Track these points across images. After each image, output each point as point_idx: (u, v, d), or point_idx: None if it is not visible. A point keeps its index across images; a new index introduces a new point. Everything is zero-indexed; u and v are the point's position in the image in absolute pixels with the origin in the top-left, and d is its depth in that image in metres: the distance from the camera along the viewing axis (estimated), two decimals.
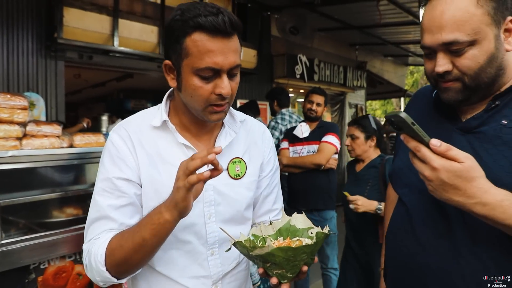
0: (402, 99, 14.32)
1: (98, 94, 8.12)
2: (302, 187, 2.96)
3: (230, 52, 0.88)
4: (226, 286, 1.03)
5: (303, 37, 5.64)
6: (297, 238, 0.90)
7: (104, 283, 0.91)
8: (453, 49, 0.83)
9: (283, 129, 3.72)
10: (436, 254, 0.88)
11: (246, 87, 5.66)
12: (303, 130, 3.02)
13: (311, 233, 0.90)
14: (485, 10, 0.81)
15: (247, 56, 5.14)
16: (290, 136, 3.12)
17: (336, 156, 3.01)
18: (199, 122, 1.01)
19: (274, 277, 0.83)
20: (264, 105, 5.78)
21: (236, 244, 0.83)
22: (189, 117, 1.01)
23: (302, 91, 6.91)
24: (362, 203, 2.15)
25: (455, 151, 0.75)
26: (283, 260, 0.78)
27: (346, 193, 2.26)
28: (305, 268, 0.83)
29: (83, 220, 2.46)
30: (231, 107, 1.08)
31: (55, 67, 3.65)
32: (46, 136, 2.08)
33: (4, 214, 1.98)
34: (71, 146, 2.21)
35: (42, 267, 2.12)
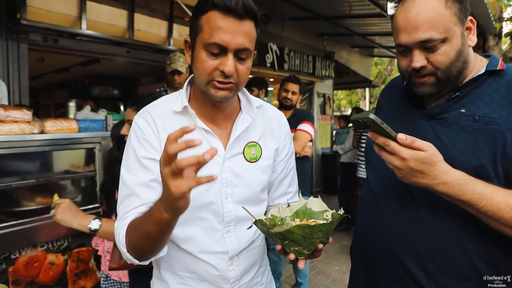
0: (367, 89, 14.72)
1: (61, 80, 7.74)
2: None
3: (239, 33, 0.91)
4: (242, 261, 1.09)
5: (274, 25, 5.66)
6: (313, 220, 0.94)
7: (130, 261, 0.94)
8: (428, 46, 0.94)
9: None
10: (401, 223, 1.02)
11: None
12: None
13: (326, 215, 0.95)
14: (452, 11, 0.93)
15: None
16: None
17: (311, 144, 3.08)
18: (215, 107, 1.04)
19: (292, 254, 0.87)
20: None
21: (257, 222, 0.87)
22: (205, 101, 1.04)
23: (272, 79, 6.95)
24: None
25: (419, 142, 0.87)
26: (301, 237, 0.83)
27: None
28: (320, 246, 0.88)
29: None
30: (247, 93, 1.12)
31: (17, 49, 3.45)
32: (15, 121, 1.99)
33: None
34: (42, 132, 2.13)
35: (12, 257, 2.05)
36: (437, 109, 1.02)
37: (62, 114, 3.23)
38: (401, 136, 0.87)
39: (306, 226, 0.83)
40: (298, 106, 7.66)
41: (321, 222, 0.86)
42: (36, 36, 3.49)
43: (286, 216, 0.96)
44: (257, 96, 4.33)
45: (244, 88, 1.13)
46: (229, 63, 0.92)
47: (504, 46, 7.59)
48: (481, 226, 0.93)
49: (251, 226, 0.93)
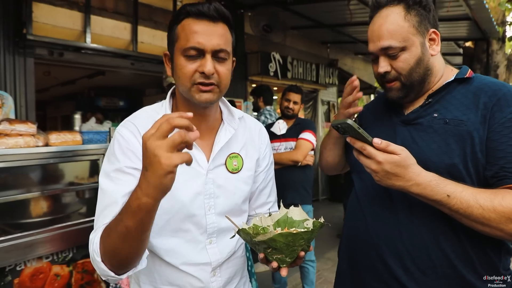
0: (372, 96, 14.70)
1: (68, 92, 7.86)
2: (279, 183, 2.98)
3: (215, 34, 0.95)
4: (224, 272, 1.09)
5: (277, 35, 5.70)
6: (294, 228, 0.95)
7: (105, 277, 0.86)
8: (389, 53, 1.06)
9: None
10: (382, 224, 1.09)
11: None
12: (280, 127, 3.08)
13: (307, 224, 0.97)
14: (411, 24, 1.05)
15: None
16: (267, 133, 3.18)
17: (313, 152, 3.10)
18: (199, 117, 1.05)
19: (274, 262, 0.88)
20: (239, 102, 5.82)
21: (240, 231, 0.88)
22: (192, 111, 1.02)
23: (276, 88, 6.98)
24: None
25: (393, 146, 0.94)
26: (283, 245, 0.85)
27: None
28: (302, 253, 0.89)
29: (60, 220, 2.43)
30: (229, 104, 1.13)
31: (24, 64, 3.52)
32: (20, 135, 2.03)
33: None
34: (46, 145, 2.16)
35: (18, 268, 2.08)
36: (413, 115, 1.11)
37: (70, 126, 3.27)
38: (376, 140, 0.93)
39: (289, 234, 0.84)
40: (302, 114, 7.65)
41: (303, 230, 0.87)
42: (42, 50, 3.56)
43: (268, 225, 0.97)
44: (256, 104, 4.37)
45: (225, 100, 1.14)
46: (208, 63, 0.94)
47: (509, 50, 7.55)
48: (456, 225, 0.98)
49: (234, 235, 0.93)
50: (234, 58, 1.07)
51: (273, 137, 3.12)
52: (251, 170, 1.14)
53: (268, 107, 4.15)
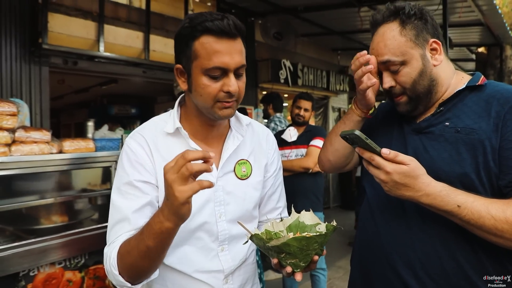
0: (383, 102, 14.56)
1: (81, 100, 7.99)
2: (290, 190, 2.97)
3: (236, 52, 0.95)
4: (236, 279, 1.09)
5: (287, 42, 5.72)
6: (306, 233, 0.95)
7: (121, 286, 0.92)
8: (391, 68, 1.06)
9: None
10: (394, 233, 1.07)
11: None
12: (291, 134, 3.09)
13: (319, 228, 0.97)
14: (407, 38, 1.05)
15: None
16: (278, 140, 3.16)
17: None
18: (209, 126, 1.06)
19: (288, 267, 0.88)
20: (250, 109, 5.84)
21: (253, 237, 0.89)
22: (200, 121, 1.06)
23: (286, 95, 6.99)
24: None
25: (401, 156, 0.93)
26: (297, 250, 0.84)
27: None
28: (316, 257, 0.89)
29: (72, 226, 2.46)
30: (236, 111, 1.13)
31: (39, 72, 3.60)
32: (35, 142, 2.07)
33: None
34: (60, 152, 2.20)
35: (31, 274, 2.10)
36: (424, 123, 1.10)
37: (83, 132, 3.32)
38: (384, 150, 0.92)
39: (303, 238, 0.84)
40: (313, 121, 7.64)
41: (316, 234, 0.87)
42: (57, 59, 3.64)
43: (280, 230, 0.97)
44: (266, 111, 4.39)
45: None
46: (232, 83, 0.95)
47: None
48: (470, 235, 0.96)
49: (247, 241, 0.93)
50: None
51: (284, 144, 3.12)
52: (260, 175, 1.14)
53: (278, 114, 4.19)
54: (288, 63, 6.17)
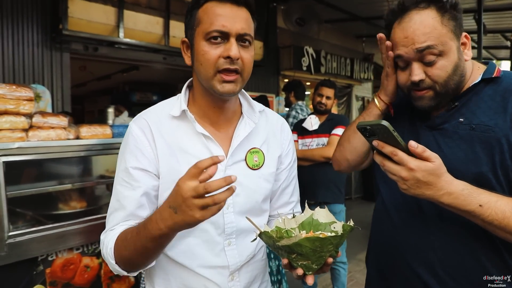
0: None
1: (104, 87, 8.09)
2: (310, 180, 2.92)
3: (239, 18, 0.91)
4: (243, 276, 1.03)
5: (310, 28, 5.56)
6: (320, 232, 0.89)
7: (117, 272, 0.92)
8: (426, 59, 0.96)
9: None
10: (411, 232, 1.03)
11: (252, 79, 5.54)
12: (312, 122, 2.98)
13: (334, 227, 0.90)
14: (448, 28, 0.97)
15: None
16: (299, 129, 3.09)
17: None
18: (217, 108, 1.00)
19: (300, 268, 0.81)
20: (271, 97, 5.74)
21: (262, 234, 0.82)
22: (207, 103, 1.00)
23: (308, 83, 6.84)
24: None
25: (429, 152, 0.87)
26: (310, 251, 0.78)
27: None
28: (330, 260, 0.83)
29: (90, 212, 2.46)
30: (249, 97, 1.08)
31: (60, 59, 3.62)
32: (52, 127, 2.05)
33: (11, 206, 1.97)
34: (77, 137, 2.18)
35: (50, 259, 2.11)
36: (438, 120, 1.04)
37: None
38: (413, 143, 0.85)
39: (316, 238, 0.77)
40: (336, 109, 7.49)
41: (330, 234, 0.79)
42: (78, 45, 3.64)
43: (291, 228, 0.90)
44: (287, 99, 4.30)
45: (246, 93, 1.09)
46: (233, 47, 0.90)
47: None
48: (491, 232, 0.92)
49: (255, 239, 0.86)
50: (261, 44, 1.02)
51: (305, 132, 3.02)
52: (273, 167, 1.08)
53: (299, 102, 4.11)
54: (311, 50, 6.02)
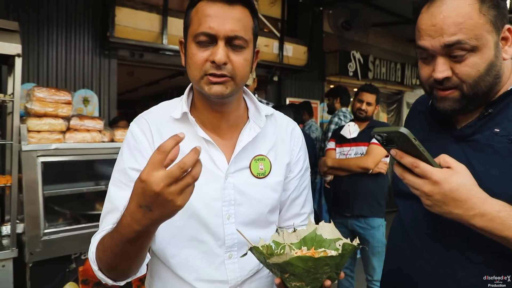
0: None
1: (153, 92, 8.42)
2: (346, 191, 2.76)
3: (229, 19, 0.84)
4: None
5: (357, 32, 5.37)
6: (323, 249, 0.81)
7: (103, 281, 0.83)
8: (454, 54, 0.82)
9: None
10: (431, 259, 0.89)
11: (296, 84, 5.52)
12: (351, 130, 2.83)
13: (339, 245, 0.81)
14: (487, 18, 0.81)
15: (298, 53, 5.00)
16: (337, 136, 2.94)
17: (387, 159, 2.77)
18: (216, 113, 0.94)
19: None
20: (315, 104, 5.61)
21: (253, 249, 0.76)
22: (205, 106, 0.95)
23: (355, 89, 6.61)
24: None
25: (454, 163, 0.76)
26: (303, 272, 0.70)
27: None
28: (328, 282, 0.74)
29: None
30: (256, 100, 1.01)
31: (108, 65, 3.79)
32: (88, 130, 2.13)
33: (47, 205, 2.06)
34: (112, 140, 2.24)
35: (83, 257, 2.18)
36: (468, 130, 0.88)
37: None
38: (447, 159, 0.75)
39: (309, 258, 0.68)
40: (385, 117, 7.14)
41: (331, 253, 0.71)
42: (124, 52, 3.80)
43: (291, 244, 0.82)
44: (332, 105, 4.15)
45: (252, 95, 1.01)
46: (219, 51, 0.83)
47: None
48: None
49: (245, 254, 0.79)
50: (258, 49, 0.95)
51: (343, 140, 2.87)
52: (281, 175, 0.99)
53: (343, 109, 3.99)
54: (358, 55, 5.82)
